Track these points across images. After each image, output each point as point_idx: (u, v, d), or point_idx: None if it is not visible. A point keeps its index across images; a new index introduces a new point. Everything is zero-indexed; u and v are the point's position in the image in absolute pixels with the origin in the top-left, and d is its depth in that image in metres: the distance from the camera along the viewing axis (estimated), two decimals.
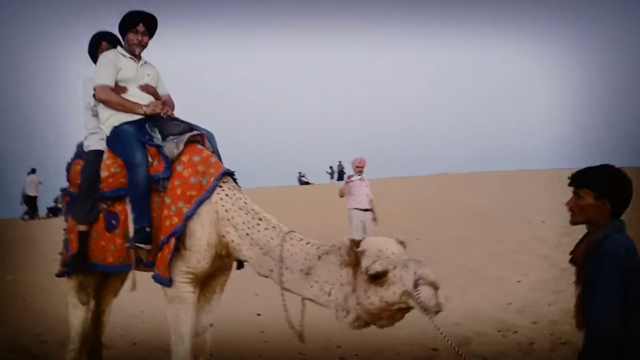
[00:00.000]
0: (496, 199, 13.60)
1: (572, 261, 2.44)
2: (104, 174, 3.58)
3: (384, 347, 5.31)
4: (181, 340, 3.26)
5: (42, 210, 21.37)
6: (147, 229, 3.33)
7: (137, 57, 3.79)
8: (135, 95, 3.68)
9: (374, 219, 8.29)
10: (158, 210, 3.38)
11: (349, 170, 9.47)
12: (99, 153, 3.72)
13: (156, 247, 3.33)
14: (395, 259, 2.68)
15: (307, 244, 3.06)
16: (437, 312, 2.58)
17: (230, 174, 3.43)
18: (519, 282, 6.80)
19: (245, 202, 3.29)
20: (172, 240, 3.20)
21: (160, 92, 3.89)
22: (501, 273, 7.26)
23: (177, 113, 3.83)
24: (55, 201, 20.79)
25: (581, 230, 2.44)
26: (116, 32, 3.84)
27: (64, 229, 3.93)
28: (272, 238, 3.12)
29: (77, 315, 3.87)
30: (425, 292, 2.56)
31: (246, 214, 3.23)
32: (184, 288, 3.30)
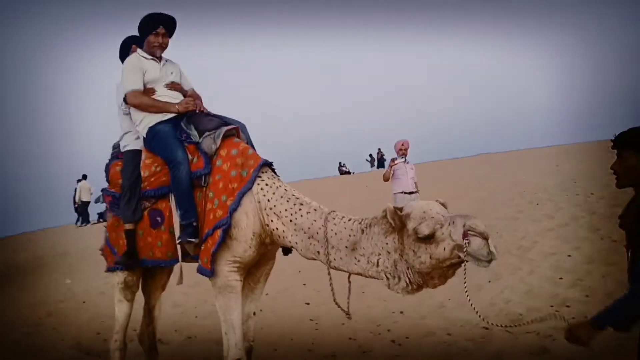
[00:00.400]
0: (542, 175, 13.26)
1: (621, 225, 2.39)
2: (145, 173, 3.68)
3: (434, 329, 5.30)
4: (232, 329, 3.33)
5: (93, 216, 22.01)
6: (195, 224, 3.43)
7: (158, 58, 3.85)
8: (163, 94, 3.76)
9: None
10: (201, 205, 3.47)
11: (390, 156, 9.34)
12: (137, 152, 3.83)
13: (201, 240, 3.42)
14: (441, 218, 2.73)
15: (349, 220, 3.11)
16: (490, 261, 2.62)
17: (268, 164, 3.49)
18: (569, 256, 6.62)
19: (285, 190, 3.35)
20: (218, 232, 3.28)
21: (185, 87, 3.96)
22: (553, 248, 7.08)
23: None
24: (97, 200, 21.35)
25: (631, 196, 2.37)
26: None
27: (104, 226, 4.09)
28: (315, 220, 3.17)
29: (121, 310, 4.03)
30: (475, 243, 2.61)
31: (287, 200, 3.29)
32: (232, 277, 3.37)
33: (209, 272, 3.33)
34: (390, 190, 8.23)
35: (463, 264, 2.73)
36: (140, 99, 3.68)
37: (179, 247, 3.53)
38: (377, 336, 5.29)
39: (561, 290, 5.74)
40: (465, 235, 2.62)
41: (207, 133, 3.54)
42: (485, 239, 2.62)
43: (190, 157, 3.52)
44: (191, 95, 3.88)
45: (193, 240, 3.40)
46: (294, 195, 3.33)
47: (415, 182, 8.08)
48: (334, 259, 3.08)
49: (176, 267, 3.76)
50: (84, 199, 20.89)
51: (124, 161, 3.87)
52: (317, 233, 3.14)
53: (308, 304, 6.54)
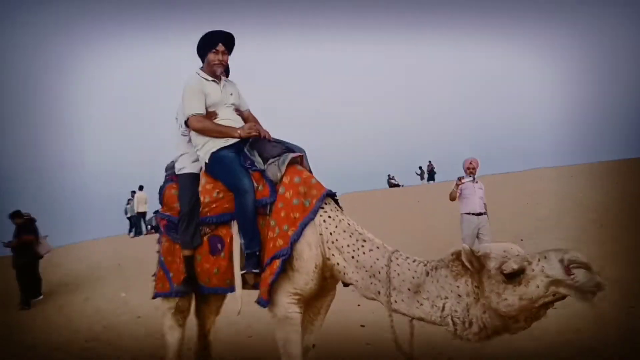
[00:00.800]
0: (607, 192, 12.67)
1: None
2: (206, 198, 3.61)
3: (500, 357, 5.04)
4: None
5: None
6: (258, 253, 3.35)
7: (218, 78, 3.81)
8: (225, 117, 3.71)
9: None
10: (262, 233, 3.39)
11: (440, 170, 9.11)
12: (194, 176, 3.76)
13: (261, 270, 3.35)
14: (527, 255, 2.55)
15: (414, 261, 2.97)
16: (596, 292, 2.41)
17: (331, 195, 3.40)
18: None
19: (348, 224, 3.25)
20: (276, 262, 3.19)
21: (242, 107, 3.91)
22: (620, 274, 6.71)
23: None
24: (150, 222, 21.81)
25: None
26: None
27: (158, 251, 4.02)
28: (377, 259, 3.05)
29: (173, 336, 3.97)
30: (582, 275, 2.40)
31: (350, 236, 3.18)
32: (292, 309, 3.28)
33: (265, 302, 3.25)
34: (447, 209, 8.03)
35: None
36: (204, 124, 3.62)
37: (237, 275, 3.45)
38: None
39: (633, 319, 5.40)
40: (568, 269, 2.42)
41: (271, 160, 3.47)
42: (589, 269, 2.42)
43: (255, 184, 3.45)
44: (248, 118, 3.82)
45: (257, 270, 3.33)
46: (357, 230, 3.22)
47: (484, 203, 7.73)
48: (395, 301, 2.94)
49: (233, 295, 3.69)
50: (140, 210, 21.34)
51: (181, 185, 3.81)
52: (379, 273, 3.01)
53: (363, 326, 6.38)
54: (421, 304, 2.85)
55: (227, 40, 3.74)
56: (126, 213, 22.27)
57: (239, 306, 3.48)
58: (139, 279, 10.65)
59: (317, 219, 3.25)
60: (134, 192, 21.67)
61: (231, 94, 3.83)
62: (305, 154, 3.65)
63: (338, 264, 3.18)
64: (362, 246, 3.12)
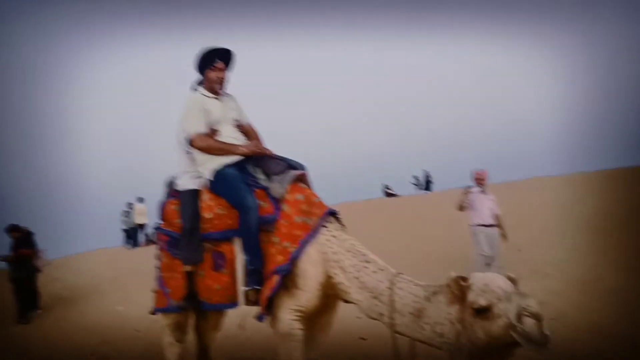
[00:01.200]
0: (609, 201, 12.66)
1: None
2: (208, 215, 3.62)
3: None
4: None
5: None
6: (261, 270, 3.36)
7: (218, 94, 3.81)
8: (227, 135, 3.72)
9: (503, 236, 7.69)
10: (264, 249, 3.40)
11: (438, 179, 9.13)
12: (195, 193, 3.76)
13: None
14: (500, 293, 2.63)
15: (415, 285, 3.02)
16: (543, 344, 2.50)
17: (333, 213, 3.41)
18: None
19: (352, 244, 3.28)
20: (275, 278, 3.22)
21: (243, 122, 3.92)
22: (621, 283, 6.72)
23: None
24: (148, 236, 21.80)
25: None
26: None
27: (157, 267, 4.00)
28: (380, 281, 3.09)
29: (173, 352, 3.98)
30: (528, 324, 2.51)
31: (353, 256, 3.21)
32: (295, 325, 3.30)
33: (262, 316, 3.29)
34: (445, 219, 8.04)
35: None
36: (207, 142, 3.64)
37: (240, 291, 3.45)
38: None
39: (636, 331, 5.40)
40: (519, 315, 2.54)
41: (274, 177, 3.49)
42: (539, 320, 2.52)
43: (258, 201, 3.47)
44: (250, 132, 3.84)
45: (259, 287, 3.34)
46: (360, 250, 3.25)
47: (495, 214, 7.68)
48: (399, 324, 2.98)
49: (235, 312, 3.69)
50: (139, 222, 21.31)
51: (183, 202, 3.80)
52: (382, 295, 3.05)
53: (364, 339, 6.36)
54: (423, 329, 2.91)
55: (225, 57, 3.75)
56: (122, 225, 22.19)
57: (244, 322, 3.48)
58: (136, 292, 10.60)
59: (321, 237, 3.28)
60: (130, 204, 21.63)
61: (232, 109, 3.84)
62: (307, 171, 3.66)
63: (342, 283, 3.21)
64: (366, 267, 3.16)
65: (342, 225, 3.49)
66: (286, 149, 3.82)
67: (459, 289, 2.73)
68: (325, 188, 3.65)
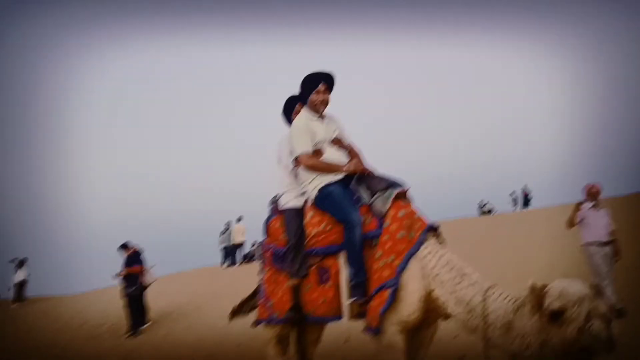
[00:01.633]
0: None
1: None
2: (313, 231, 3.79)
3: None
4: None
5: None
6: (364, 283, 3.48)
7: (321, 115, 3.99)
8: (331, 155, 3.88)
9: (616, 254, 7.05)
10: (367, 263, 3.51)
11: (537, 194, 8.69)
12: (299, 210, 3.96)
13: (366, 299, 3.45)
14: (575, 297, 2.58)
15: (505, 298, 3.01)
16: (610, 347, 2.45)
17: (434, 228, 3.49)
18: None
19: (449, 258, 3.33)
20: (385, 292, 3.30)
21: (344, 141, 4.06)
22: None
23: None
24: (249, 255, 22.51)
25: None
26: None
27: (261, 281, 4.21)
28: (474, 295, 3.11)
29: None
30: (595, 326, 2.47)
31: (450, 270, 3.26)
32: (397, 337, 3.36)
33: (374, 330, 3.34)
34: (544, 238, 7.69)
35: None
36: (313, 162, 3.82)
37: (345, 304, 3.57)
38: None
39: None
40: (587, 317, 2.49)
41: (377, 194, 3.61)
42: (607, 321, 2.47)
43: (362, 218, 3.59)
44: (351, 151, 3.98)
45: (361, 299, 3.44)
46: (457, 264, 3.29)
47: (610, 231, 7.08)
48: (491, 337, 2.98)
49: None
50: (238, 241, 22.08)
51: (287, 218, 4.01)
52: (476, 308, 3.07)
53: (462, 359, 6.26)
54: (513, 342, 2.90)
55: (328, 79, 3.93)
56: (220, 244, 23.02)
57: (346, 335, 3.58)
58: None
59: (420, 252, 3.35)
60: (228, 223, 22.43)
61: (334, 130, 4.02)
62: (408, 188, 3.75)
63: (440, 297, 3.25)
64: (461, 281, 3.20)
65: (442, 239, 3.54)
66: (383, 166, 3.94)
67: (536, 296, 2.72)
68: (422, 205, 3.71)
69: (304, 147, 3.84)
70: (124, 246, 11.30)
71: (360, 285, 3.48)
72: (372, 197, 3.63)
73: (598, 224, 7.05)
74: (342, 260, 3.65)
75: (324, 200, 3.79)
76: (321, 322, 3.97)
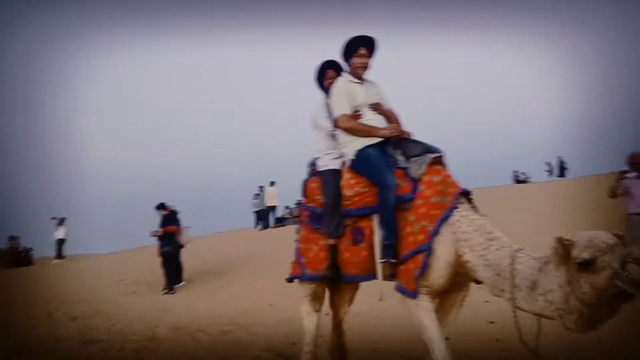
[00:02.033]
0: None
1: None
2: (349, 192, 3.84)
3: None
4: (434, 344, 3.35)
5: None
6: (395, 245, 3.52)
7: (362, 79, 3.99)
8: (370, 118, 3.90)
9: None
10: (400, 226, 3.54)
11: (572, 165, 8.47)
12: (336, 172, 4.02)
13: (398, 261, 3.51)
14: (603, 246, 2.60)
15: (532, 259, 3.02)
16: None
17: (466, 193, 3.50)
18: None
19: (480, 223, 3.33)
20: (420, 257, 3.34)
21: (384, 105, 4.07)
22: None
23: None
24: (289, 213, 22.87)
25: None
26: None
27: (296, 240, 4.30)
28: (503, 258, 3.11)
29: (311, 321, 4.21)
30: (633, 270, 2.47)
31: (480, 235, 3.26)
32: (422, 299, 3.41)
33: (412, 293, 3.39)
34: (579, 207, 7.52)
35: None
36: (351, 124, 3.85)
37: (378, 265, 3.62)
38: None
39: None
40: (623, 263, 2.49)
41: (413, 159, 3.63)
42: None
43: (397, 181, 3.62)
44: (391, 116, 3.99)
45: (392, 260, 3.49)
46: (487, 229, 3.29)
47: None
48: (517, 298, 3.00)
49: (373, 284, 3.85)
50: (270, 204, 22.43)
51: (325, 180, 4.07)
52: (504, 271, 3.08)
53: (492, 322, 6.30)
54: (537, 300, 2.91)
55: (368, 44, 3.93)
56: (254, 207, 23.38)
57: (380, 293, 3.64)
58: (268, 269, 11.24)
59: (452, 217, 3.36)
60: (261, 187, 22.74)
61: (374, 95, 4.03)
62: (444, 154, 3.75)
63: (470, 261, 3.27)
64: (490, 245, 3.20)
65: (474, 205, 3.53)
66: (421, 133, 3.94)
67: (563, 247, 2.72)
68: (457, 172, 3.70)
69: (343, 109, 3.87)
70: (161, 206, 11.58)
71: (391, 247, 3.52)
72: (408, 161, 3.65)
73: None
74: (376, 222, 3.69)
75: (360, 162, 3.82)
76: (355, 282, 4.04)
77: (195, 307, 9.25)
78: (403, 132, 3.84)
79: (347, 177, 3.91)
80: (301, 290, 4.27)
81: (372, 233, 3.71)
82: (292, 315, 7.22)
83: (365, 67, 3.96)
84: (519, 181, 30.56)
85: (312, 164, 4.37)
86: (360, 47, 3.91)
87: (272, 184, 22.44)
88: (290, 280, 4.33)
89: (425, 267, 3.32)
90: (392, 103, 4.14)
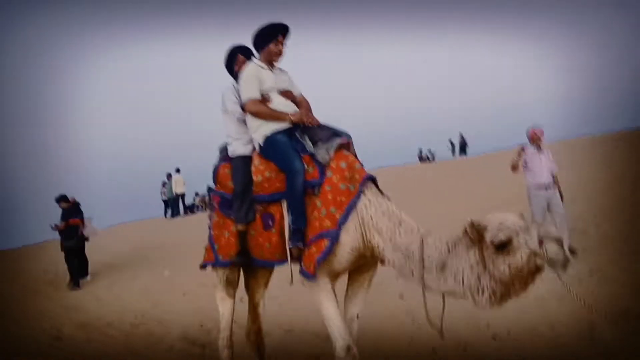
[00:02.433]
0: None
1: None
2: (258, 178, 3.85)
3: (536, 324, 5.17)
4: (330, 320, 3.46)
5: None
6: (303, 229, 3.57)
7: (272, 66, 4.01)
8: (278, 103, 3.91)
9: (562, 198, 7.39)
10: (308, 211, 3.60)
11: (473, 143, 9.03)
12: (246, 158, 4.00)
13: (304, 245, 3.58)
14: (517, 227, 2.79)
15: (440, 242, 3.16)
16: (566, 266, 2.70)
17: (372, 179, 3.59)
18: None
19: (387, 207, 3.44)
20: (324, 242, 3.40)
21: (295, 93, 4.10)
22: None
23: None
24: (196, 200, 22.44)
25: None
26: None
27: (209, 226, 4.26)
28: (411, 242, 3.24)
29: (226, 307, 4.20)
30: (551, 248, 2.69)
31: (388, 219, 3.37)
32: (321, 278, 3.50)
33: (312, 276, 3.45)
34: (480, 183, 7.99)
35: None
36: (259, 108, 3.84)
37: (289, 250, 3.67)
38: (478, 331, 5.25)
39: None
40: (541, 242, 2.71)
41: (320, 144, 3.68)
42: (560, 244, 2.71)
43: (305, 166, 3.66)
44: (301, 103, 4.03)
45: (300, 244, 3.55)
46: (394, 212, 3.40)
47: (554, 175, 7.41)
48: (426, 280, 3.15)
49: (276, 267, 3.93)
50: (179, 191, 21.93)
51: (234, 166, 4.04)
52: (413, 254, 3.20)
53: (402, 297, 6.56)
54: (446, 280, 3.07)
55: (285, 32, 3.95)
56: (162, 195, 22.80)
57: (291, 277, 3.70)
58: (181, 258, 11.04)
59: (359, 203, 3.45)
60: (169, 175, 22.18)
61: (284, 81, 4.05)
62: (350, 137, 3.82)
63: (378, 245, 3.38)
64: (398, 229, 3.32)
65: (380, 190, 3.63)
66: (328, 115, 3.99)
67: (475, 231, 2.88)
68: (363, 153, 3.79)
69: (251, 93, 3.86)
70: (62, 198, 10.99)
71: (299, 232, 3.57)
72: (316, 146, 3.70)
73: (541, 168, 7.36)
74: (285, 207, 3.73)
75: (268, 148, 3.83)
76: (267, 266, 4.07)
77: (103, 301, 8.94)
78: (312, 118, 3.88)
79: (256, 163, 3.91)
80: (215, 277, 4.25)
81: (282, 218, 3.74)
82: (206, 302, 7.17)
83: (281, 54, 3.97)
84: (423, 160, 31.73)
85: (224, 149, 4.33)
86: (279, 35, 3.91)
87: (177, 171, 21.97)
88: (203, 266, 4.29)
89: (328, 252, 3.39)
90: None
